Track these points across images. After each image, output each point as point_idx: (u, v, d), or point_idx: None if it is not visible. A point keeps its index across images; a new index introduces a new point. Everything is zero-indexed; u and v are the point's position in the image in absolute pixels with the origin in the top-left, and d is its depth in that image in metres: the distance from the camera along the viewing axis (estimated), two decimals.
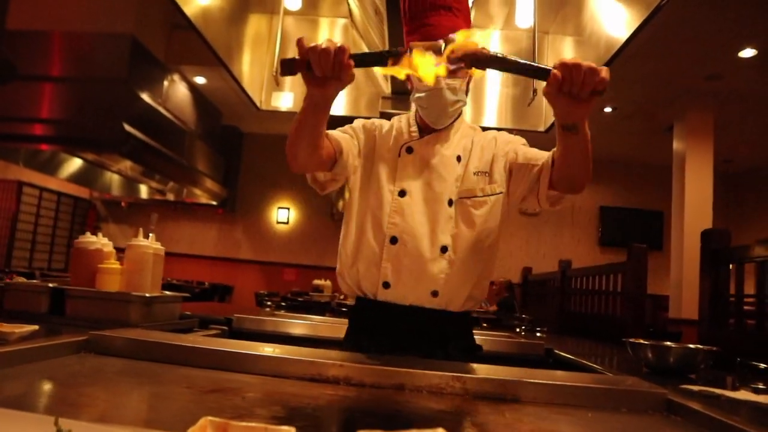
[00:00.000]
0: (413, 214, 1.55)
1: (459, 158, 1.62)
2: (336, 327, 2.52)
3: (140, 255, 1.73)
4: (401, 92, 3.45)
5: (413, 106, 1.68)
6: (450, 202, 1.58)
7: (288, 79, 3.66)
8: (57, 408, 0.89)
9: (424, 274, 1.54)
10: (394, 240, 1.55)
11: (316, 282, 5.51)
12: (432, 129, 1.63)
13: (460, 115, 1.68)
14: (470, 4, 1.71)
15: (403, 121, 1.69)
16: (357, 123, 1.70)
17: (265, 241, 9.47)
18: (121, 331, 1.40)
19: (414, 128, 1.65)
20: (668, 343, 1.74)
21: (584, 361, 1.96)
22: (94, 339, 1.34)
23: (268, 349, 1.32)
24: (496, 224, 1.62)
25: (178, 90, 6.84)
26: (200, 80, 7.26)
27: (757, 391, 1.37)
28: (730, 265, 3.19)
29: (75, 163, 7.17)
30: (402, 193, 1.58)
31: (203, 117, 7.67)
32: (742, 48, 5.37)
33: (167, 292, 1.83)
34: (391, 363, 1.29)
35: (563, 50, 3.37)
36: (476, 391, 1.22)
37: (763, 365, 1.77)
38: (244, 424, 0.63)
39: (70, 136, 5.50)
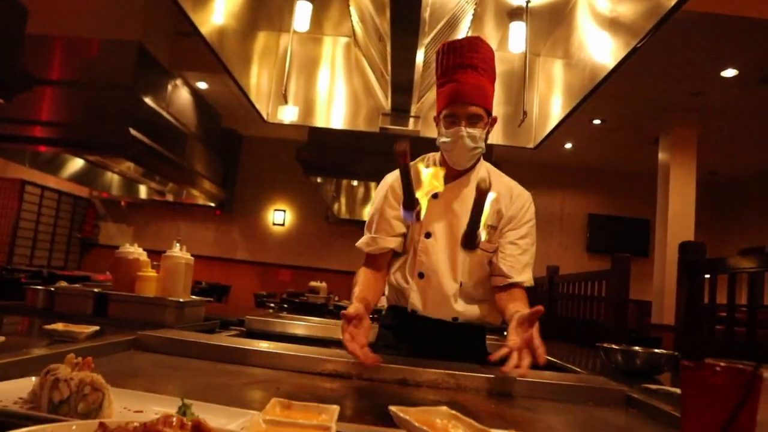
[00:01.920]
0: (437, 253, 1.79)
1: None
2: (335, 329, 2.77)
3: (174, 264, 1.95)
4: (401, 109, 3.60)
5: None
6: None
7: (293, 93, 3.86)
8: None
9: (446, 306, 1.80)
10: (421, 275, 1.81)
11: (312, 284, 5.71)
12: (454, 171, 1.82)
13: (479, 159, 1.87)
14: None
15: (431, 164, 1.86)
16: (386, 211, 1.84)
17: (261, 242, 9.66)
18: (163, 332, 1.63)
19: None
20: (636, 348, 1.98)
21: (563, 363, 2.19)
22: (140, 338, 1.57)
23: (295, 349, 1.56)
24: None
25: (180, 95, 7.03)
26: (202, 85, 7.48)
27: None
28: (705, 276, 3.44)
29: (76, 163, 7.31)
30: (428, 235, 1.81)
31: (203, 120, 7.84)
32: (725, 68, 5.64)
33: (195, 297, 2.05)
34: (397, 362, 1.53)
35: (553, 72, 3.57)
36: (467, 386, 1.47)
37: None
38: (301, 403, 0.86)
39: (77, 139, 5.65)
